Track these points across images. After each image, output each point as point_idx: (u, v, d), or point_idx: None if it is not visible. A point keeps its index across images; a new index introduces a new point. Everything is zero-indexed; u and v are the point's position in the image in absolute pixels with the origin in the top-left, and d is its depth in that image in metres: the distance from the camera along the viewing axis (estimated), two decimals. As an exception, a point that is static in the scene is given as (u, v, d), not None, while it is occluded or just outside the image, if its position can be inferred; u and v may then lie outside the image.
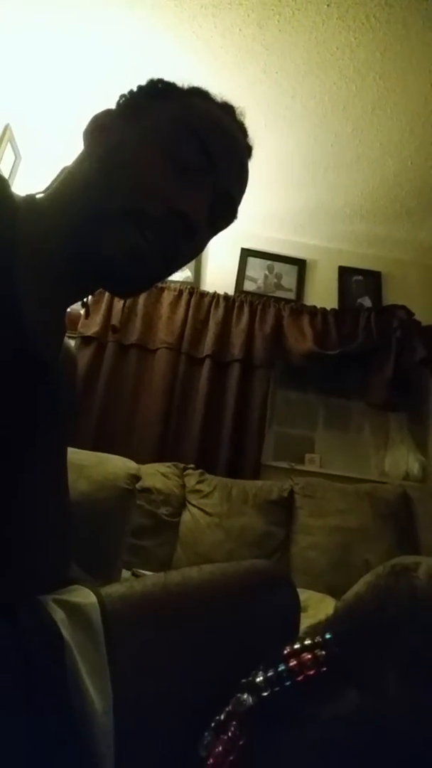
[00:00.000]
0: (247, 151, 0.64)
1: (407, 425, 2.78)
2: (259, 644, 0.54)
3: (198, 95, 0.61)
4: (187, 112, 0.58)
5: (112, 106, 0.62)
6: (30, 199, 0.57)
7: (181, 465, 2.35)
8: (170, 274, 0.62)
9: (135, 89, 0.61)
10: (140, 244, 0.53)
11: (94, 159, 0.56)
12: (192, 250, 0.61)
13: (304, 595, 1.72)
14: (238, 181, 0.62)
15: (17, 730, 0.40)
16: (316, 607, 1.70)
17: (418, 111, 2.15)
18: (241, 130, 0.63)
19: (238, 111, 0.63)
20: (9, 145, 2.42)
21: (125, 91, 0.61)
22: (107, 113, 0.60)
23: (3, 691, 0.41)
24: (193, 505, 2.20)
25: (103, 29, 1.96)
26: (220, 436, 2.53)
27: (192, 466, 2.37)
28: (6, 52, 2.10)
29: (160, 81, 0.61)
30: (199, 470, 2.35)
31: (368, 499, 2.28)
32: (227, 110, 0.62)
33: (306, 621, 0.60)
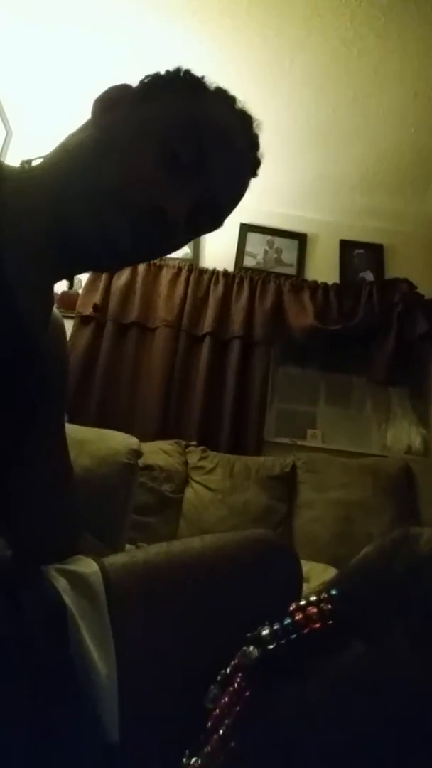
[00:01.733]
0: (251, 166, 0.62)
1: (409, 399, 2.78)
2: (261, 610, 0.55)
3: (218, 97, 0.59)
4: (198, 111, 0.56)
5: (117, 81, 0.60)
6: (25, 167, 0.56)
7: (183, 442, 2.36)
8: (144, 261, 0.62)
9: (160, 73, 0.59)
10: (114, 228, 0.52)
11: (93, 132, 0.55)
12: (167, 246, 0.60)
13: (307, 566, 1.74)
14: (230, 193, 0.61)
15: (20, 695, 0.41)
16: (319, 578, 1.72)
17: (421, 74, 2.09)
18: (252, 144, 0.62)
19: (255, 123, 0.61)
20: (0, 120, 2.37)
21: (150, 73, 0.59)
22: (123, 88, 0.59)
23: (4, 659, 0.42)
24: (196, 482, 2.22)
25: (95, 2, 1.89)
26: (222, 413, 2.53)
27: (194, 443, 2.38)
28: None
29: (187, 72, 0.59)
30: (201, 447, 2.36)
31: (370, 473, 2.29)
32: (243, 120, 0.60)
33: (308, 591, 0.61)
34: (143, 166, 0.53)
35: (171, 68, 0.59)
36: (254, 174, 0.63)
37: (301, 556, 0.68)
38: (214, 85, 0.60)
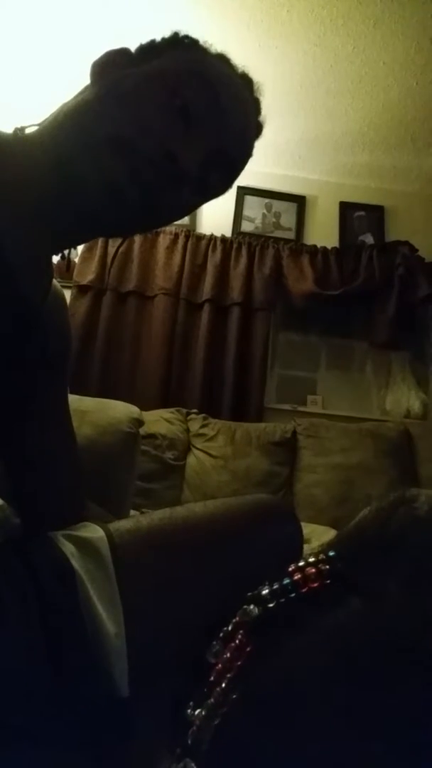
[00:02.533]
0: (257, 128, 0.61)
1: (409, 363, 2.78)
2: (263, 570, 0.57)
3: (220, 59, 0.58)
4: (205, 65, 0.55)
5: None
6: (18, 133, 0.54)
7: (184, 410, 2.38)
8: (150, 224, 0.59)
9: (157, 39, 0.57)
10: (121, 178, 0.49)
11: (95, 89, 0.54)
12: (176, 206, 0.57)
13: (308, 528, 1.78)
14: (241, 150, 0.59)
15: (39, 656, 0.43)
16: (319, 539, 1.76)
17: (424, 24, 1.98)
18: (255, 107, 0.60)
19: (255, 86, 0.60)
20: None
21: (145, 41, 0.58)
22: (122, 51, 0.57)
23: (22, 620, 0.43)
24: (198, 449, 2.25)
25: None
26: (223, 381, 2.53)
27: (195, 410, 2.40)
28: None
29: (186, 36, 0.57)
30: (203, 415, 2.38)
31: (370, 437, 2.31)
32: (246, 81, 0.59)
33: (309, 552, 0.62)
34: (153, 114, 0.51)
35: (168, 34, 0.57)
36: (258, 136, 0.62)
37: (302, 518, 0.70)
38: (213, 48, 0.58)
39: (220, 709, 0.29)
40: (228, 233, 2.77)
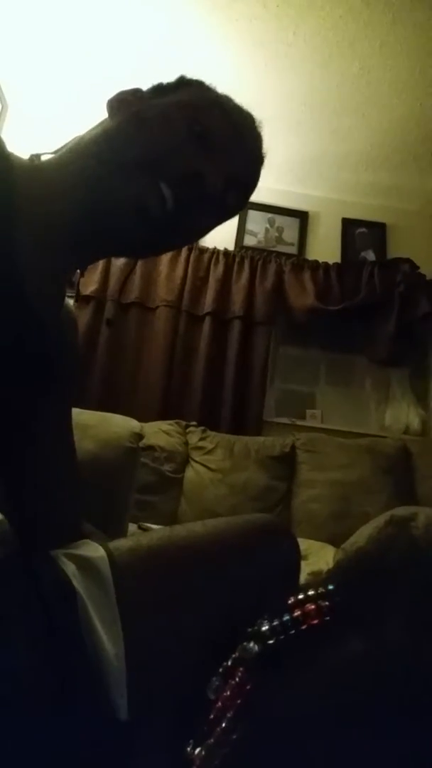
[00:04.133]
0: (262, 158, 0.64)
1: (409, 380, 2.79)
2: (261, 593, 0.57)
3: (227, 97, 0.62)
4: (214, 99, 0.59)
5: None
6: (33, 159, 0.56)
7: (184, 423, 2.38)
8: (172, 245, 0.62)
9: (164, 82, 0.61)
10: (149, 198, 0.52)
11: (115, 121, 0.56)
12: (199, 224, 0.60)
13: (305, 544, 1.78)
14: (254, 176, 0.63)
15: (40, 675, 0.43)
16: (317, 555, 1.76)
17: (428, 47, 2.02)
18: (258, 141, 0.63)
19: (257, 122, 0.63)
20: (-4, 92, 2.31)
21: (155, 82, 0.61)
22: (136, 90, 0.60)
23: (26, 639, 0.44)
24: (197, 462, 2.24)
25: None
26: (222, 394, 2.54)
27: (194, 423, 2.40)
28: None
29: (191, 79, 0.62)
30: (202, 427, 2.38)
31: (369, 453, 2.31)
32: (249, 118, 0.63)
33: (307, 568, 0.63)
34: (176, 138, 0.53)
35: (174, 78, 0.61)
36: (262, 167, 0.65)
37: (299, 534, 0.71)
38: (217, 89, 0.62)
39: (222, 749, 0.29)
40: (231, 247, 2.79)
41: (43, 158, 0.56)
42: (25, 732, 0.42)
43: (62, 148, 0.58)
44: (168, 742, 0.36)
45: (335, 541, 1.88)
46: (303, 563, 0.67)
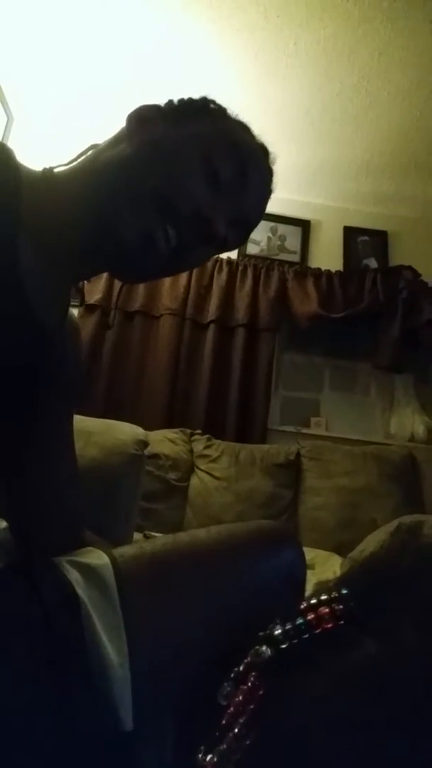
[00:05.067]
0: (269, 194, 0.66)
1: (413, 387, 2.78)
2: (266, 599, 0.56)
3: (242, 128, 0.63)
4: (232, 136, 0.60)
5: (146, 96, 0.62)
6: (46, 172, 0.56)
7: (188, 431, 2.38)
8: (169, 274, 0.63)
9: (185, 99, 0.62)
10: (157, 233, 0.53)
11: (132, 144, 0.56)
12: (197, 258, 0.63)
13: (311, 553, 1.76)
14: (258, 213, 0.65)
15: (39, 681, 0.42)
16: (323, 565, 1.74)
17: (427, 57, 2.04)
18: (269, 175, 0.65)
19: (271, 156, 0.65)
20: (0, 105, 2.34)
21: (174, 98, 0.62)
22: (155, 108, 0.60)
23: (28, 647, 0.43)
24: (201, 470, 2.24)
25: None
26: (227, 401, 2.54)
27: (199, 431, 2.40)
28: (-7, 4, 2.00)
29: (213, 101, 0.62)
30: (206, 435, 2.37)
31: (374, 461, 2.30)
32: (264, 151, 0.65)
33: (313, 578, 0.62)
34: (190, 177, 0.55)
35: (198, 96, 0.62)
36: (269, 199, 0.67)
37: (305, 542, 0.70)
38: (237, 116, 0.63)
39: (234, 756, 0.29)
40: (234, 255, 2.80)
41: (57, 170, 0.56)
42: (27, 744, 0.41)
43: (76, 158, 0.58)
44: (174, 750, 0.35)
45: (342, 550, 1.86)
46: (309, 573, 0.66)
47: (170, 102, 0.61)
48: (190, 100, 0.61)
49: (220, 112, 0.62)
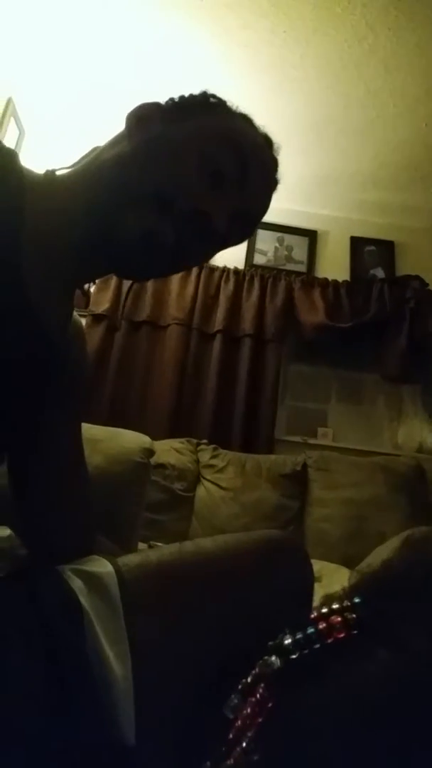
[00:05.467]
0: (274, 185, 0.66)
1: (421, 397, 2.75)
2: (273, 610, 0.55)
3: (244, 120, 0.62)
4: (233, 129, 0.59)
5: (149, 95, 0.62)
6: (49, 174, 0.57)
7: (195, 441, 2.36)
8: (173, 272, 0.63)
9: (186, 95, 0.61)
10: (158, 230, 0.53)
11: (131, 143, 0.57)
12: (200, 255, 0.62)
13: (318, 565, 1.73)
14: (262, 207, 0.64)
15: (38, 695, 0.41)
16: (330, 577, 1.72)
17: (433, 69, 2.05)
18: (274, 165, 0.65)
19: (275, 146, 0.65)
20: (12, 119, 2.38)
21: (174, 95, 0.62)
22: (155, 106, 0.60)
23: (26, 657, 0.42)
24: (208, 480, 2.22)
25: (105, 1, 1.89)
26: (233, 412, 2.53)
27: (205, 441, 2.39)
28: (8, 25, 2.04)
29: (213, 95, 0.62)
30: (213, 446, 2.36)
31: (382, 472, 2.27)
32: (267, 142, 0.64)
33: (320, 591, 0.61)
34: (188, 175, 0.55)
35: (197, 91, 0.61)
36: (274, 191, 0.66)
37: (312, 554, 0.69)
38: (238, 109, 0.63)
39: None
40: (241, 265, 2.81)
41: (59, 173, 0.57)
42: (28, 756, 0.40)
43: (79, 161, 0.59)
44: (178, 765, 0.34)
45: (349, 563, 1.83)
46: (316, 585, 0.65)
47: (170, 99, 0.61)
48: (190, 95, 0.61)
49: (221, 105, 0.61)
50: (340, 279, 2.80)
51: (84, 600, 0.48)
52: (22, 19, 2.01)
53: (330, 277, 2.81)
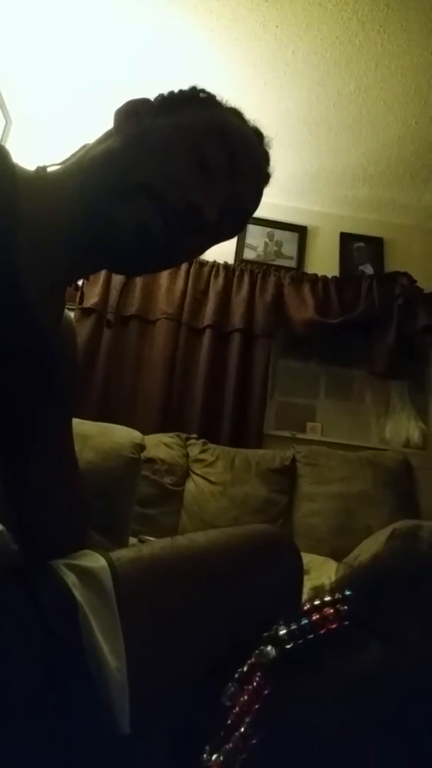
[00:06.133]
0: (266, 179, 0.65)
1: (408, 393, 2.79)
2: (263, 602, 0.56)
3: (234, 114, 0.62)
4: (222, 122, 0.59)
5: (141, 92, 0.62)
6: (39, 171, 0.56)
7: (184, 435, 2.37)
8: (167, 265, 0.63)
9: (175, 91, 0.61)
10: (149, 223, 0.53)
11: (120, 138, 0.56)
12: (193, 248, 0.62)
13: (306, 558, 1.75)
14: (254, 200, 0.64)
15: (37, 691, 0.42)
16: (319, 570, 1.74)
17: (423, 67, 2.07)
18: (265, 159, 0.65)
19: (266, 140, 0.65)
20: (-1, 109, 2.35)
21: (164, 91, 0.62)
22: (144, 101, 0.60)
23: (23, 651, 0.43)
24: (197, 474, 2.23)
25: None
26: (222, 406, 2.54)
27: (194, 436, 2.39)
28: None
29: (203, 90, 0.62)
30: (202, 440, 2.37)
31: (369, 466, 2.30)
32: (258, 135, 0.64)
33: (308, 583, 0.62)
34: (176, 167, 0.54)
35: (186, 87, 0.61)
36: (267, 185, 0.66)
37: (301, 548, 0.70)
38: (228, 103, 0.63)
39: (240, 755, 0.29)
40: (231, 260, 2.81)
41: (50, 169, 0.57)
42: (25, 749, 0.41)
43: (69, 158, 0.58)
44: (174, 754, 0.35)
45: (336, 556, 1.86)
46: (305, 578, 0.66)
47: (160, 95, 0.61)
48: (180, 91, 0.61)
49: (210, 99, 0.61)
50: (329, 275, 2.82)
51: (78, 594, 0.49)
52: (7, 6, 1.98)
53: (319, 273, 2.82)
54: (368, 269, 2.92)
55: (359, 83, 2.18)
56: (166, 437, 2.30)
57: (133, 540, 1.37)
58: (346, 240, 2.98)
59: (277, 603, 0.56)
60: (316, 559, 1.86)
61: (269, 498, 2.21)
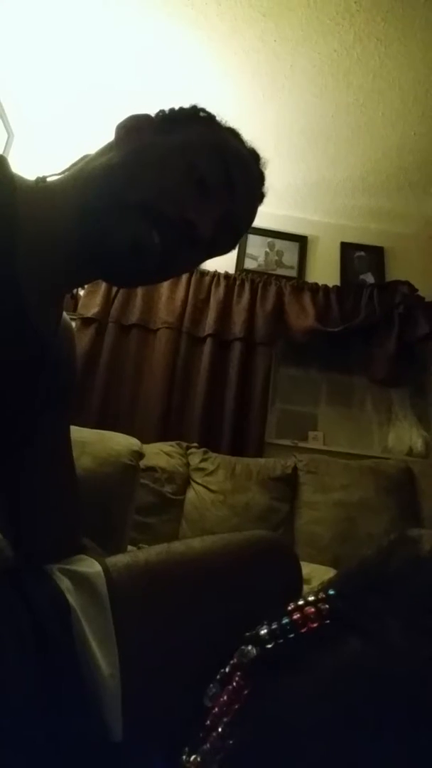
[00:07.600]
0: (260, 198, 0.67)
1: (410, 401, 2.78)
2: (261, 609, 0.55)
3: (232, 134, 0.64)
4: (219, 141, 0.61)
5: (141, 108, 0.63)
6: (39, 181, 0.57)
7: (185, 444, 2.37)
8: (161, 279, 0.64)
9: (176, 108, 0.63)
10: (146, 239, 0.54)
11: (120, 152, 0.57)
12: (187, 262, 0.63)
13: (308, 568, 1.74)
14: (247, 217, 0.66)
15: (31, 695, 0.41)
16: (320, 579, 1.72)
17: (421, 79, 2.09)
18: (260, 179, 0.66)
19: (262, 161, 0.66)
20: (1, 121, 2.38)
21: (165, 108, 0.63)
22: (146, 117, 0.62)
23: (17, 656, 0.42)
24: (198, 483, 2.22)
25: (95, 4, 1.90)
26: (223, 415, 2.53)
27: (195, 444, 2.39)
28: (-4, 24, 2.04)
29: (203, 110, 0.63)
30: (203, 449, 2.36)
31: (371, 475, 2.29)
32: (254, 156, 0.65)
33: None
34: (173, 184, 0.56)
35: (187, 105, 0.63)
36: (261, 204, 0.68)
37: (302, 557, 0.69)
38: (227, 123, 0.64)
39: (217, 755, 0.28)
40: (231, 270, 2.83)
41: (50, 179, 0.58)
42: (18, 754, 0.40)
43: (69, 168, 0.59)
44: (165, 760, 0.35)
45: (339, 565, 1.84)
46: (306, 588, 0.66)
47: (160, 111, 0.62)
48: (180, 108, 0.62)
49: (209, 119, 0.63)
50: (330, 284, 2.83)
51: (72, 599, 0.48)
52: (9, 19, 2.02)
53: (320, 282, 2.83)
54: (369, 278, 2.93)
55: (358, 95, 2.20)
56: (166, 446, 2.29)
57: (131, 548, 1.36)
58: (347, 249, 3.00)
59: (275, 611, 0.55)
60: (319, 568, 1.83)
61: (270, 506, 2.19)
